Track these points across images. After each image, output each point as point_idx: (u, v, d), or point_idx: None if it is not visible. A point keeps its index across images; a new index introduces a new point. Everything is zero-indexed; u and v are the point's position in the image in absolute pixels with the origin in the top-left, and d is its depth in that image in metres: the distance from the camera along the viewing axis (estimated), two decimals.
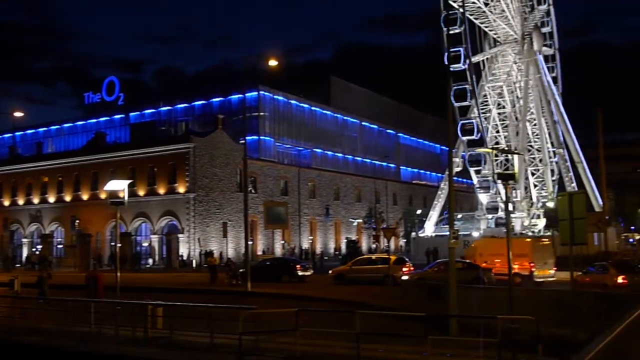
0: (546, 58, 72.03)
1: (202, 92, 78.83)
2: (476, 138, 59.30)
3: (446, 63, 55.56)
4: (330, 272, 40.27)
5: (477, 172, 62.05)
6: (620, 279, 30.55)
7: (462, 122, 59.89)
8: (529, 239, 42.73)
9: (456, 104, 58.87)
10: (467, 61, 59.00)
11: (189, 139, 62.29)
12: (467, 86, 59.13)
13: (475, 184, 63.46)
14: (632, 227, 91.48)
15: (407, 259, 40.26)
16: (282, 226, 58.47)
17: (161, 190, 63.15)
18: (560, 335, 15.38)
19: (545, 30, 72.26)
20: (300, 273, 39.31)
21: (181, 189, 61.74)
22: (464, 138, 60.12)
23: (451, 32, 58.02)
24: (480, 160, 59.85)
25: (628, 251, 64.94)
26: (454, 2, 59.46)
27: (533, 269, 34.88)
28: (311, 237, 74.50)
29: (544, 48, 71.46)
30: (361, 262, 39.40)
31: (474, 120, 59.94)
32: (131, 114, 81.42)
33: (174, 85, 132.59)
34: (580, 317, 17.14)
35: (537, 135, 68.79)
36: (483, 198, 63.64)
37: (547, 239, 43.30)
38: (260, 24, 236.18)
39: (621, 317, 16.62)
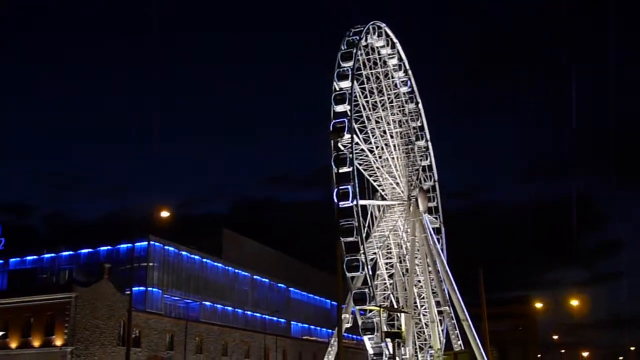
0: (430, 210, 75.64)
1: (90, 239, 76.37)
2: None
3: (335, 201, 56.92)
4: None
5: (370, 338, 61.86)
6: None
7: (347, 258, 58.62)
8: None
9: (343, 239, 58.52)
10: (355, 200, 60.22)
11: (71, 289, 59.00)
12: (353, 222, 59.80)
13: (369, 352, 62.66)
14: None
15: None
16: None
17: (36, 343, 58.72)
18: None
19: (427, 185, 76.47)
20: None
21: (58, 342, 57.57)
22: (349, 274, 59.57)
23: (340, 170, 59.66)
24: (373, 328, 59.47)
25: None
26: (345, 147, 61.93)
27: None
28: None
29: (429, 203, 75.27)
30: None
31: (358, 256, 59.62)
32: (11, 259, 77.10)
33: (62, 232, 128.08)
34: None
35: (424, 292, 70.60)
36: None
37: None
38: (156, 176, 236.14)
39: None
